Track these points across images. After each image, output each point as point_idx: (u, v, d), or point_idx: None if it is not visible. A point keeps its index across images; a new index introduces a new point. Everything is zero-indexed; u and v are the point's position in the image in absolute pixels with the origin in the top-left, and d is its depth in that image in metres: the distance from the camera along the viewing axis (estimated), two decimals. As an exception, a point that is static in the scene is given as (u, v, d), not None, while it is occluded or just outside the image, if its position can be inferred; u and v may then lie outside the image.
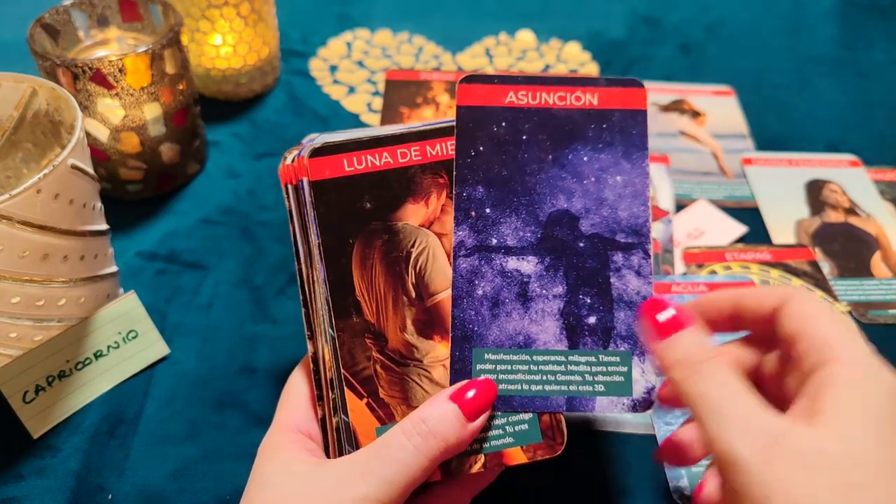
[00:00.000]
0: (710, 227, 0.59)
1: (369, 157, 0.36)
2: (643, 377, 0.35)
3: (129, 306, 0.46)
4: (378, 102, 0.71)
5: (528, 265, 0.36)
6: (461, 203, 0.36)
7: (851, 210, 0.61)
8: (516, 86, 0.37)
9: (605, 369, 0.35)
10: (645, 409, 0.35)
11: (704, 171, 0.64)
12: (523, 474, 0.43)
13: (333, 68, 0.75)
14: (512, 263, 0.36)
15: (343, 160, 0.36)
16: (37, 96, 0.45)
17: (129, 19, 0.58)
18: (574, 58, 0.78)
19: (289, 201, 0.36)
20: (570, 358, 0.36)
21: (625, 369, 0.35)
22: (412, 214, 0.36)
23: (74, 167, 0.40)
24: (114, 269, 0.47)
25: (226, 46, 0.65)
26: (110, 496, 0.41)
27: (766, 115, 0.71)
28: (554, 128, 0.37)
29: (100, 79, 0.51)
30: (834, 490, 0.25)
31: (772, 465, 0.26)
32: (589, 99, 0.38)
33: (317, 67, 0.75)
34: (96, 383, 0.46)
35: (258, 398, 0.46)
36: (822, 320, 0.30)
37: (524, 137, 0.37)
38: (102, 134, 0.54)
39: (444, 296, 0.36)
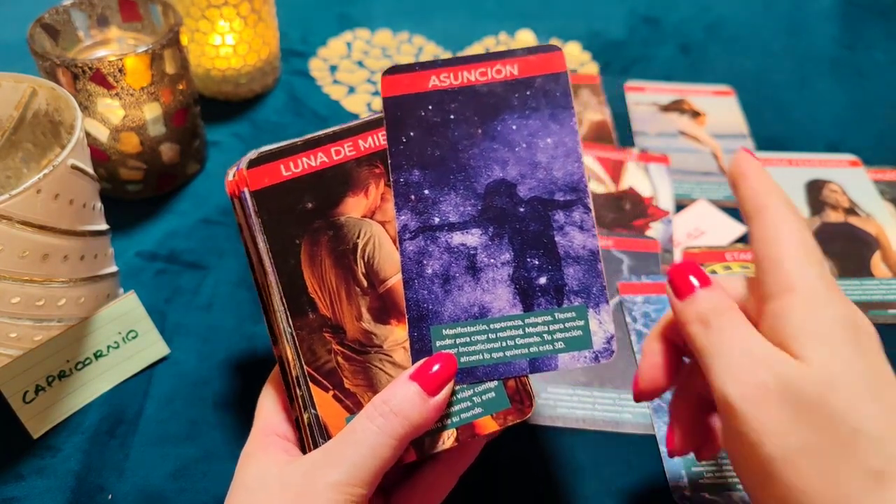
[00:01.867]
0: (710, 227, 0.59)
1: (305, 160, 0.37)
2: (601, 328, 0.36)
3: (129, 306, 0.46)
4: (378, 102, 0.71)
5: (472, 238, 0.37)
6: (399, 189, 0.37)
7: (851, 210, 0.61)
8: (437, 69, 0.38)
9: (562, 326, 0.36)
10: (607, 358, 0.36)
11: (704, 171, 0.64)
12: (523, 473, 0.43)
13: (333, 68, 0.75)
14: (457, 238, 0.37)
15: (280, 166, 0.36)
16: (37, 96, 0.45)
17: (129, 19, 0.58)
18: (574, 58, 0.78)
19: (237, 213, 0.37)
20: (527, 321, 0.36)
21: (582, 323, 0.36)
22: (353, 207, 0.37)
23: (74, 167, 0.40)
24: (114, 269, 0.47)
25: (226, 46, 0.65)
26: (110, 496, 0.41)
27: (766, 115, 0.71)
28: (479, 103, 0.38)
29: (100, 79, 0.51)
30: (822, 432, 0.27)
31: (762, 410, 0.28)
32: (510, 70, 0.38)
33: (317, 67, 0.75)
34: (96, 383, 0.46)
35: (258, 398, 0.46)
36: (783, 245, 0.30)
37: (452, 117, 0.38)
38: (102, 134, 0.54)
39: (395, 280, 0.37)
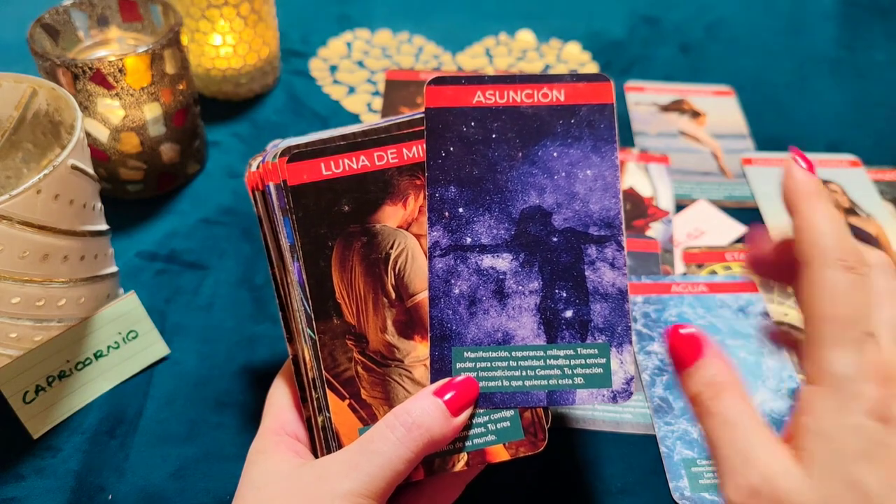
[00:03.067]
0: (710, 227, 0.59)
1: (346, 161, 0.36)
2: (622, 368, 0.36)
3: (129, 306, 0.46)
4: (378, 102, 0.71)
5: (503, 262, 0.36)
6: (434, 204, 0.37)
7: (851, 210, 0.61)
8: (483, 85, 0.38)
9: (583, 362, 0.36)
10: (625, 399, 0.35)
11: (704, 171, 0.64)
12: (523, 474, 0.43)
13: (333, 68, 0.75)
14: (487, 261, 0.36)
15: (321, 164, 0.36)
16: (37, 96, 0.45)
17: (129, 19, 0.58)
18: (574, 58, 0.78)
19: (257, 207, 0.37)
20: (549, 352, 0.36)
21: (603, 361, 0.36)
22: (390, 216, 0.36)
23: (74, 167, 0.40)
24: (114, 269, 0.47)
25: (226, 46, 0.65)
26: (110, 496, 0.41)
27: (766, 115, 0.71)
28: (522, 125, 0.37)
29: (100, 79, 0.51)
30: None
31: None
32: (556, 95, 0.38)
33: (317, 67, 0.75)
34: (96, 383, 0.46)
35: (258, 398, 0.46)
36: (818, 320, 0.28)
37: (493, 136, 0.37)
38: (102, 134, 0.54)
39: (424, 296, 0.36)
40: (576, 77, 0.38)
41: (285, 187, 0.35)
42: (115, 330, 0.46)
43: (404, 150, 0.37)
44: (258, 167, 0.36)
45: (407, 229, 0.36)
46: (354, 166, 0.36)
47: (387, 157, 0.36)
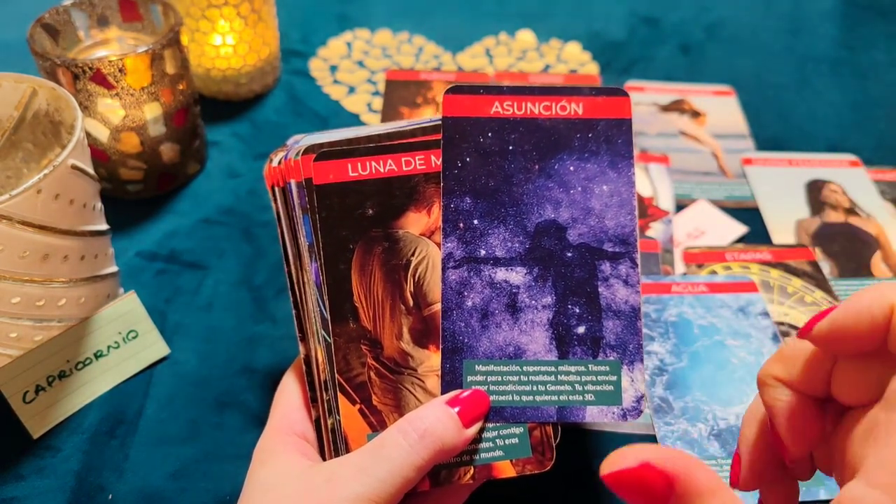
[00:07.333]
0: (710, 227, 0.59)
1: (373, 164, 0.36)
2: (632, 386, 0.35)
3: (129, 306, 0.46)
4: (378, 102, 0.71)
5: (516, 276, 0.36)
6: (449, 215, 0.36)
7: (851, 210, 0.61)
8: (502, 96, 0.37)
9: (594, 378, 0.35)
10: (635, 417, 0.35)
11: (704, 171, 0.64)
12: (523, 473, 0.43)
13: (333, 68, 0.75)
14: (501, 274, 0.36)
15: (347, 165, 0.35)
16: (37, 96, 0.45)
17: (129, 19, 0.58)
18: (574, 58, 0.78)
19: (276, 203, 0.36)
20: (560, 368, 0.36)
21: (614, 378, 0.35)
22: (413, 223, 0.36)
23: (74, 167, 0.40)
24: (114, 269, 0.47)
25: (226, 46, 0.65)
26: (110, 496, 0.41)
27: (766, 115, 0.71)
28: (540, 138, 0.37)
29: (100, 79, 0.51)
30: None
31: None
32: (574, 108, 0.37)
33: (317, 67, 0.75)
34: (96, 383, 0.46)
35: (258, 398, 0.46)
36: None
37: (510, 148, 0.37)
38: (102, 134, 0.54)
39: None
40: (594, 91, 0.38)
41: (308, 186, 0.35)
42: (115, 330, 0.46)
43: (432, 157, 0.36)
44: (280, 163, 0.36)
45: (429, 237, 0.36)
46: (381, 170, 0.36)
47: (414, 162, 0.36)
